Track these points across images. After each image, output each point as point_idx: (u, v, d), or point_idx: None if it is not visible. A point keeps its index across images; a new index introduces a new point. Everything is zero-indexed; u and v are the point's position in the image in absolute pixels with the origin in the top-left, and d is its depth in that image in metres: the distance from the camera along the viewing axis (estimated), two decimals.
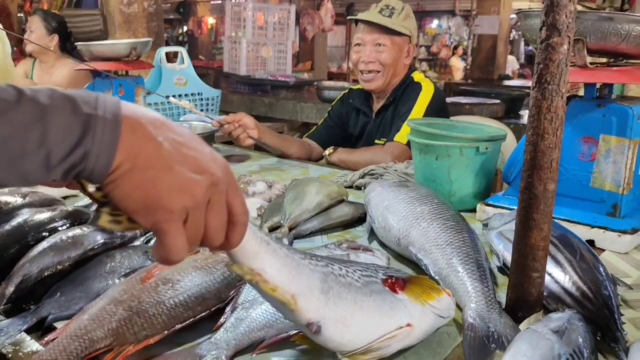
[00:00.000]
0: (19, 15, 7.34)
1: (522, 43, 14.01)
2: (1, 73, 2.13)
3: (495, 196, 1.35)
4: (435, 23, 15.22)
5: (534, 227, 0.79)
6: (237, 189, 0.56)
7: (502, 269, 1.02)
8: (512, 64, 10.63)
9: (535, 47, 0.86)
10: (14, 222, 1.01)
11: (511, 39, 11.61)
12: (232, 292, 0.82)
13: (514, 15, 11.42)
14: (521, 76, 10.71)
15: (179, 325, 0.78)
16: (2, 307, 0.83)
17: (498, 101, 3.64)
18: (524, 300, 0.82)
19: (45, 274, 0.88)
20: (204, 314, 0.81)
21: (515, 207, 1.25)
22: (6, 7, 6.80)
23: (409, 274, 0.78)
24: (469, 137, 1.38)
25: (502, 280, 0.99)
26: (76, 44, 2.30)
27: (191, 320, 0.79)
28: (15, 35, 3.06)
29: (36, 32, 3.10)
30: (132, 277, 0.83)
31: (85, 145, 0.46)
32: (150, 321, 0.76)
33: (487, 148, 1.35)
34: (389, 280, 0.71)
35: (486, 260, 0.95)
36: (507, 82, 7.70)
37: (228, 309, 0.79)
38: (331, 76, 10.79)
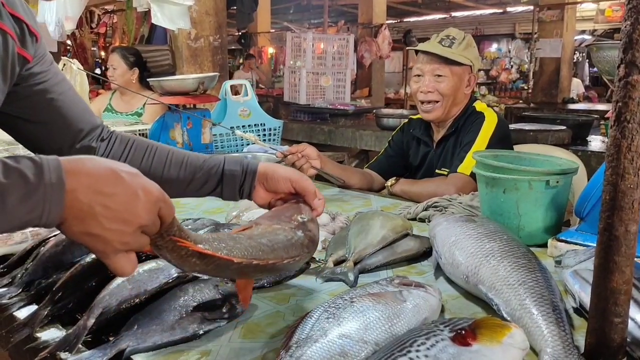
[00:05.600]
0: (92, 49, 7.84)
1: (587, 65, 13.55)
2: None
3: (568, 231, 1.30)
4: (494, 47, 14.99)
5: (615, 270, 0.76)
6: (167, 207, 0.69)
7: (579, 310, 0.97)
8: (577, 87, 10.28)
9: (607, 79, 0.84)
10: (93, 255, 1.07)
11: (574, 60, 11.26)
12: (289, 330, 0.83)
13: (577, 37, 11.10)
14: (586, 99, 10.33)
15: (255, 262, 0.77)
16: (84, 338, 0.88)
17: (564, 127, 3.52)
18: (605, 346, 0.78)
19: (123, 307, 0.92)
20: (275, 261, 0.81)
21: (590, 244, 1.22)
22: (82, 43, 7.28)
23: (471, 318, 0.77)
24: (538, 170, 1.34)
25: (579, 322, 0.95)
26: (148, 79, 2.43)
27: (267, 261, 0.79)
28: (91, 74, 3.27)
29: (119, 68, 3.30)
30: None
31: (37, 211, 0.60)
32: (230, 247, 0.76)
33: (557, 182, 1.30)
34: (458, 336, 0.69)
35: (561, 301, 0.92)
36: (572, 106, 7.43)
37: (282, 351, 0.79)
38: (388, 102, 10.81)
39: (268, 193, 1.08)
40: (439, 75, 1.95)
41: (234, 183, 1.07)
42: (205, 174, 1.06)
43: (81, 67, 2.21)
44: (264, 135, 2.74)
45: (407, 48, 2.27)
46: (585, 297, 0.93)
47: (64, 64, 2.33)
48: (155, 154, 1.06)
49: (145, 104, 3.23)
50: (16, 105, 0.95)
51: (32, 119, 0.97)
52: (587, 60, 13.05)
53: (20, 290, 1.06)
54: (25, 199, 0.59)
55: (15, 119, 0.97)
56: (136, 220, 0.65)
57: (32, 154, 0.63)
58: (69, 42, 6.75)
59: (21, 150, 2.28)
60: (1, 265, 1.16)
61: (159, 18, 2.58)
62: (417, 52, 2.06)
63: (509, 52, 14.25)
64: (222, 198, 1.10)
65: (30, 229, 1.29)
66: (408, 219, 1.53)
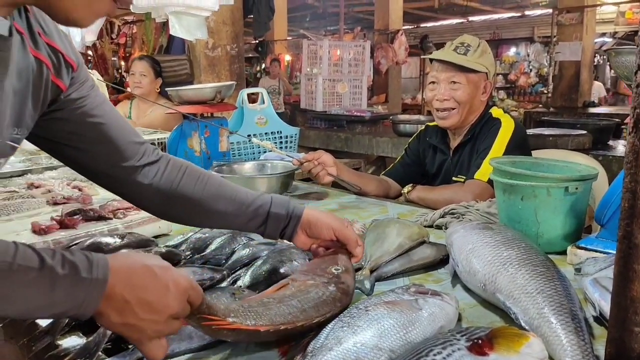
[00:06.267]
0: (112, 59, 7.96)
1: (608, 67, 13.35)
2: None
3: (588, 238, 1.28)
4: (512, 50, 14.86)
5: (635, 278, 0.74)
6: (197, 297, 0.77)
7: (599, 319, 0.96)
8: (598, 90, 10.14)
9: (628, 85, 0.83)
10: None
11: (595, 63, 11.10)
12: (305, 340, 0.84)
13: (598, 40, 10.95)
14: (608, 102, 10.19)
15: (283, 327, 0.82)
16: (104, 346, 0.89)
17: (584, 132, 3.48)
18: (625, 356, 0.77)
19: None
20: (304, 322, 0.85)
21: (610, 251, 1.20)
22: (103, 54, 7.41)
23: (488, 327, 0.76)
24: (557, 176, 1.33)
25: (600, 331, 0.94)
26: (166, 89, 2.46)
27: (295, 324, 0.83)
28: (111, 85, 3.33)
29: (148, 76, 3.36)
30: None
31: (77, 301, 0.67)
32: (258, 314, 0.81)
33: (577, 188, 1.29)
34: (475, 345, 0.69)
35: (581, 310, 0.90)
36: (593, 110, 7.33)
37: (298, 357, 0.80)
38: (405, 107, 10.79)
39: (309, 238, 1.12)
40: (455, 83, 1.94)
41: (278, 226, 1.10)
42: (252, 212, 1.09)
43: (101, 78, 2.26)
44: (281, 142, 2.76)
45: (423, 57, 2.27)
46: (606, 306, 0.91)
47: None
48: (206, 184, 1.08)
49: (150, 111, 3.28)
50: (57, 130, 0.96)
51: (72, 143, 0.98)
52: (608, 63, 12.85)
53: None
54: (72, 291, 0.66)
55: (56, 144, 0.98)
56: (168, 310, 0.72)
57: (85, 252, 0.71)
58: (89, 52, 6.87)
59: (43, 160, 2.33)
60: None
61: (176, 29, 2.62)
62: (431, 60, 2.06)
63: (528, 55, 14.11)
64: (262, 236, 1.14)
65: (52, 237, 1.33)
66: (425, 226, 1.52)
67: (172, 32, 2.75)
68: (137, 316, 0.70)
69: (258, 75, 11.95)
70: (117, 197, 1.14)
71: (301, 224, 1.10)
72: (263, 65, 10.78)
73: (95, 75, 2.28)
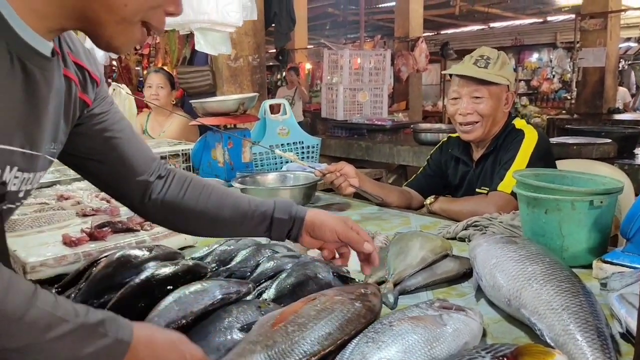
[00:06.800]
0: (136, 69, 8.09)
1: (633, 73, 13.12)
2: None
3: (614, 252, 1.27)
4: (535, 56, 14.70)
5: None
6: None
7: (625, 335, 0.95)
8: (623, 96, 9.98)
9: None
10: (143, 276, 1.11)
11: (620, 69, 10.91)
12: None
13: (622, 45, 10.78)
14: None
15: (314, 359, 0.83)
16: None
17: (609, 140, 3.42)
18: None
19: (171, 328, 0.95)
20: (332, 347, 0.85)
21: (637, 265, 1.19)
22: (127, 65, 7.54)
23: (513, 344, 0.76)
24: (582, 190, 1.32)
25: (626, 348, 0.93)
26: (191, 101, 2.51)
27: (321, 353, 0.84)
28: (140, 98, 3.41)
29: (166, 88, 3.45)
30: (262, 324, 0.91)
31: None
32: (283, 355, 0.82)
33: (602, 202, 1.28)
34: None
35: (607, 327, 0.90)
36: (618, 116, 7.21)
37: None
38: (426, 115, 10.75)
39: (315, 240, 1.15)
40: (477, 97, 1.94)
41: (282, 229, 1.14)
42: (257, 218, 1.13)
43: (129, 92, 2.31)
44: (303, 153, 2.78)
45: (443, 72, 2.27)
46: (632, 322, 0.91)
47: (114, 89, 2.43)
48: (210, 195, 1.12)
49: (169, 125, 3.33)
50: (77, 144, 1.00)
51: (91, 157, 1.03)
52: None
53: None
54: (97, 348, 0.68)
55: (75, 157, 1.03)
56: None
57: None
58: (114, 63, 7.00)
59: (71, 171, 2.39)
60: (55, 286, 1.22)
61: (202, 44, 2.67)
62: (450, 74, 2.05)
63: (551, 61, 13.93)
64: (270, 239, 1.18)
65: (82, 249, 1.36)
66: (447, 239, 1.53)
67: (197, 47, 2.80)
68: None
69: (279, 83, 12.03)
70: None
71: (305, 226, 1.13)
72: (284, 74, 10.84)
73: (124, 89, 2.34)
